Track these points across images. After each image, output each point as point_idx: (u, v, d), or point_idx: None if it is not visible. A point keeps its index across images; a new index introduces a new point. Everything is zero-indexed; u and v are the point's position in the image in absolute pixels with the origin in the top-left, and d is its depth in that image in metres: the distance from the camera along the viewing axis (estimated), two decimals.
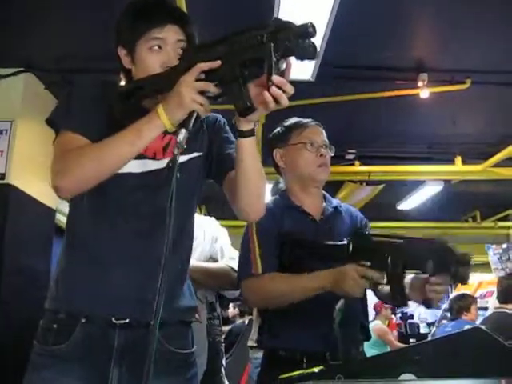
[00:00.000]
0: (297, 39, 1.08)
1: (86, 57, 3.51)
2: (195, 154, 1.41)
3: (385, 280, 1.60)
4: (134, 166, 1.30)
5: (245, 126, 1.24)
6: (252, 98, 1.15)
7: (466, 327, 1.69)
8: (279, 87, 1.11)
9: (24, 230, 3.72)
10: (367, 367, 1.22)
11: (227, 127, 1.51)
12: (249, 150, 1.29)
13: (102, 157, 1.22)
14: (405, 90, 4.04)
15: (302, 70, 3.44)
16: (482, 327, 1.24)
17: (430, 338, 4.85)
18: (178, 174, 1.13)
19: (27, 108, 3.78)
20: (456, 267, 1.50)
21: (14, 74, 3.76)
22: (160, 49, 1.31)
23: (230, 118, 1.33)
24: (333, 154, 1.93)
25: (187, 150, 1.24)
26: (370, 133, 5.14)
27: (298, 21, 1.13)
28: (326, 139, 1.92)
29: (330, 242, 1.76)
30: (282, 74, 1.12)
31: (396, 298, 1.60)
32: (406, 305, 1.62)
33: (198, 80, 1.15)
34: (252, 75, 1.15)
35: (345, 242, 1.69)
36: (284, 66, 1.12)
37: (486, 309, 4.98)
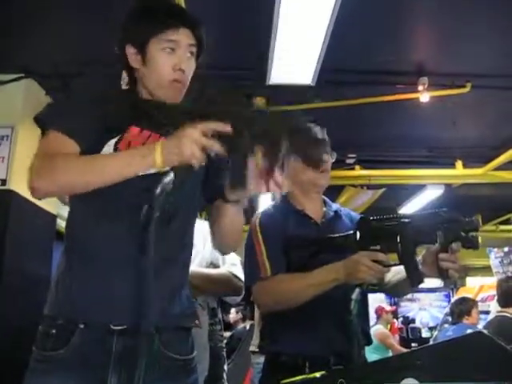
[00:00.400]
0: (312, 144, 1.14)
1: (86, 62, 3.51)
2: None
3: (397, 261, 1.59)
4: None
5: (233, 197, 1.27)
6: (248, 175, 1.17)
7: (468, 331, 1.69)
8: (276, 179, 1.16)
9: (25, 236, 3.71)
10: (369, 372, 1.22)
11: None
12: (233, 214, 1.33)
13: (87, 173, 1.22)
14: (405, 94, 4.04)
15: (303, 74, 3.45)
16: (485, 331, 1.23)
17: (431, 343, 4.84)
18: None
19: (28, 114, 3.77)
20: (465, 233, 1.51)
21: (14, 79, 3.77)
22: (172, 51, 1.32)
23: None
24: (334, 160, 1.93)
25: None
26: (370, 137, 5.14)
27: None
28: None
29: (336, 235, 1.76)
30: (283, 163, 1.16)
31: (411, 277, 1.58)
32: (422, 281, 1.58)
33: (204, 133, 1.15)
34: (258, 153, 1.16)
35: (351, 232, 1.69)
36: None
37: (487, 312, 4.96)
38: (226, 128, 1.14)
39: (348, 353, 1.67)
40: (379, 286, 1.84)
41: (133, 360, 1.25)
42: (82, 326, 1.27)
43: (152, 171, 1.20)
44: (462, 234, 1.52)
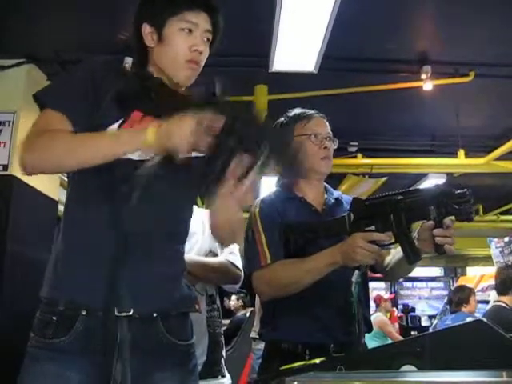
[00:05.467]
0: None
1: (88, 48, 3.50)
2: (200, 154, 1.40)
3: (392, 239, 1.59)
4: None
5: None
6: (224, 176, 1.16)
7: (467, 320, 1.69)
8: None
9: (26, 221, 3.72)
10: (368, 359, 1.22)
11: None
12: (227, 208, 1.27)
13: (75, 149, 1.22)
14: (408, 83, 4.03)
15: (305, 62, 3.44)
16: (484, 319, 1.24)
17: (431, 331, 4.86)
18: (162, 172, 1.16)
19: (30, 99, 3.69)
20: (458, 206, 1.50)
21: (16, 65, 3.75)
22: (190, 32, 1.32)
23: None
24: (336, 147, 1.93)
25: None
26: (372, 125, 5.13)
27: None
28: (330, 131, 1.92)
29: (330, 219, 1.76)
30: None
31: (407, 254, 1.58)
32: (418, 258, 1.57)
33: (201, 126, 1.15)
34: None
35: (345, 214, 1.69)
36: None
37: (487, 302, 4.98)
38: (219, 123, 1.14)
39: (348, 339, 1.68)
40: (378, 269, 1.84)
41: (137, 346, 1.25)
42: (84, 313, 1.25)
43: (135, 155, 1.21)
44: (455, 207, 1.51)
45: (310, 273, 1.65)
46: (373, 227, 1.59)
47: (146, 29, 1.35)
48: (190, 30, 1.33)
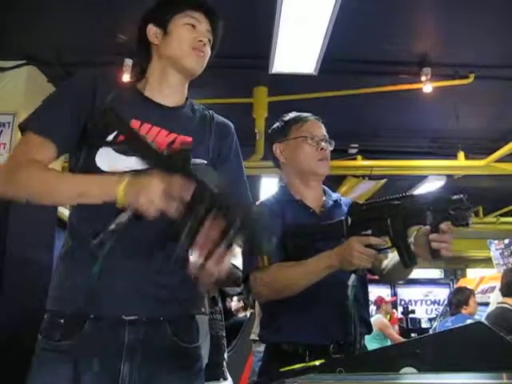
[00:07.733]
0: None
1: (88, 50, 3.51)
2: (199, 161, 1.38)
3: (389, 244, 1.59)
4: (136, 163, 1.28)
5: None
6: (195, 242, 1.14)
7: (468, 322, 1.69)
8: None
9: (26, 223, 3.72)
10: (368, 360, 1.22)
11: (237, 142, 1.52)
12: None
13: (48, 193, 1.25)
14: (408, 85, 4.04)
15: (305, 64, 3.44)
16: (484, 322, 1.24)
17: (431, 332, 4.86)
18: None
19: (30, 101, 3.77)
20: (455, 211, 1.50)
21: (16, 66, 3.76)
22: (194, 27, 1.40)
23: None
24: (332, 148, 1.93)
25: (193, 153, 1.24)
26: (372, 127, 5.14)
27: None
28: (326, 133, 1.93)
29: (328, 222, 1.77)
30: None
31: (404, 259, 1.58)
32: (414, 262, 1.57)
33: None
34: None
35: (342, 218, 1.70)
36: None
37: (487, 304, 4.98)
38: (191, 188, 1.13)
39: (347, 340, 1.68)
40: (376, 272, 1.84)
41: (144, 349, 1.26)
42: (92, 316, 1.25)
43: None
44: (452, 212, 1.51)
45: (306, 275, 1.65)
46: (369, 231, 1.60)
47: (152, 29, 1.41)
48: (194, 26, 1.39)
